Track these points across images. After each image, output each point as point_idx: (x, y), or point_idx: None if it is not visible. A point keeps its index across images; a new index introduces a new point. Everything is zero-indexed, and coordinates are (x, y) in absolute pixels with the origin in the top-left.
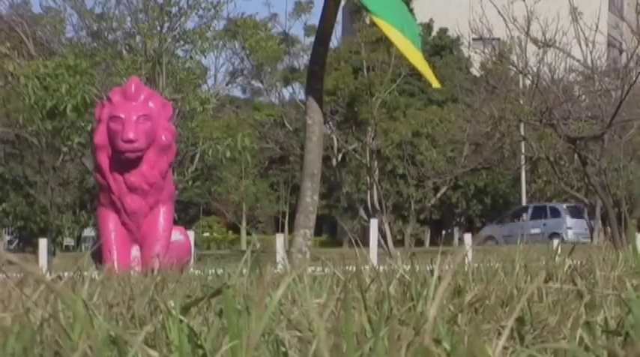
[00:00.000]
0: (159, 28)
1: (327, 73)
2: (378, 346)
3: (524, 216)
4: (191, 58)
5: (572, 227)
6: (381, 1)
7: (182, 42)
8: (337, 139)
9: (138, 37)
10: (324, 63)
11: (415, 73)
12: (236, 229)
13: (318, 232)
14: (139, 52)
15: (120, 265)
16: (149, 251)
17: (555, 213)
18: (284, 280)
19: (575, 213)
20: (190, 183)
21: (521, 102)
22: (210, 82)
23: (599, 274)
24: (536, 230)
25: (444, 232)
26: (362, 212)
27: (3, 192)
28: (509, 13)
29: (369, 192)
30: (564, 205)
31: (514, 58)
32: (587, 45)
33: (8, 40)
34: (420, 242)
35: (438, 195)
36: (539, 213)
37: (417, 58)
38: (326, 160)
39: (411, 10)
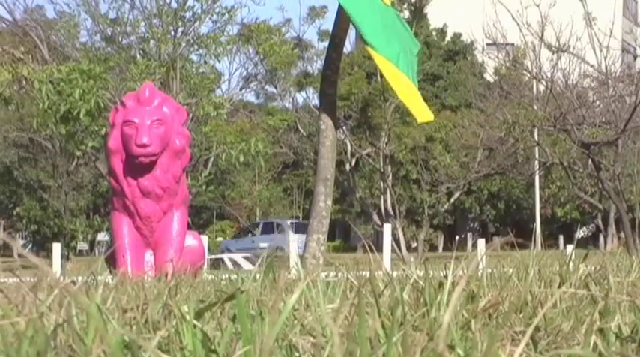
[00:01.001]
0: (173, 33)
1: (341, 78)
2: (391, 352)
3: (256, 231)
4: (205, 62)
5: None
6: (379, 30)
7: (196, 47)
8: (351, 144)
9: (152, 42)
10: (338, 68)
11: (428, 79)
12: None
13: (331, 237)
14: (153, 56)
15: (133, 269)
16: (162, 256)
17: (282, 228)
18: (298, 286)
19: (299, 228)
20: (204, 187)
21: (535, 107)
22: (224, 86)
23: (612, 279)
24: (265, 244)
25: (457, 237)
26: (375, 217)
27: (17, 196)
28: (523, 19)
29: (382, 197)
30: (289, 222)
31: (528, 63)
32: (601, 50)
33: (22, 45)
34: (433, 247)
35: (452, 200)
36: (268, 228)
37: (407, 92)
38: (339, 165)
39: (424, 16)
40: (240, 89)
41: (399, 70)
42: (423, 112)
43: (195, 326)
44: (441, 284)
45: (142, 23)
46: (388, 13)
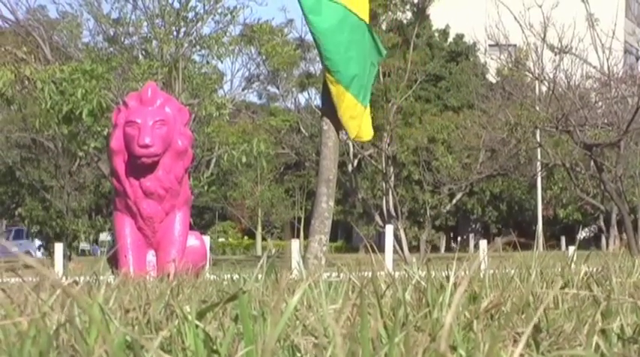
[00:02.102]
0: (175, 33)
1: None
2: (393, 352)
3: (9, 236)
4: (207, 63)
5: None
6: (342, 52)
7: (198, 47)
8: (353, 145)
9: (154, 42)
10: None
11: (430, 80)
12: (251, 235)
13: (333, 237)
14: (156, 57)
15: (135, 270)
16: (165, 256)
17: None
18: (300, 286)
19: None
20: (206, 188)
21: (538, 108)
22: (226, 87)
23: (615, 280)
24: (16, 249)
25: (459, 238)
26: (377, 218)
27: (19, 196)
28: (526, 20)
29: (384, 198)
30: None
31: (530, 64)
32: (603, 51)
33: (25, 45)
34: (435, 248)
35: (454, 201)
36: (19, 234)
37: (349, 114)
38: (342, 165)
39: (427, 17)
40: (243, 90)
41: (348, 92)
42: (362, 131)
43: (197, 326)
44: (442, 285)
45: (145, 23)
46: (359, 29)
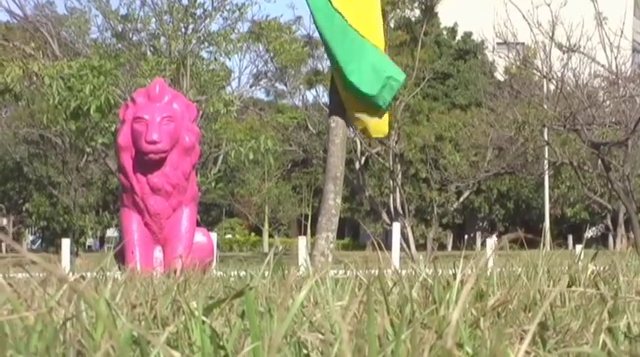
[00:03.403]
0: (183, 30)
1: None
2: (400, 349)
3: None
4: (215, 59)
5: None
6: (348, 60)
7: (206, 44)
8: (360, 143)
9: (162, 39)
10: None
11: (438, 77)
12: (258, 232)
13: (340, 235)
14: (164, 53)
15: (142, 265)
16: (171, 252)
17: None
18: (307, 283)
19: None
20: (213, 185)
21: (545, 107)
22: (234, 84)
23: (622, 279)
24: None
25: (466, 236)
26: (384, 216)
27: (27, 192)
28: (534, 18)
29: (391, 195)
30: None
31: (538, 62)
32: (611, 50)
33: (33, 41)
34: (442, 246)
35: (461, 199)
36: None
37: (355, 105)
38: (349, 163)
39: (435, 15)
40: (250, 87)
41: (360, 102)
42: (372, 128)
43: (203, 322)
44: (449, 283)
45: (153, 20)
46: (360, 49)
